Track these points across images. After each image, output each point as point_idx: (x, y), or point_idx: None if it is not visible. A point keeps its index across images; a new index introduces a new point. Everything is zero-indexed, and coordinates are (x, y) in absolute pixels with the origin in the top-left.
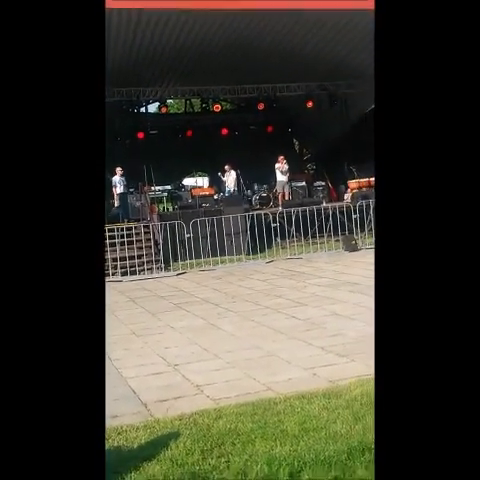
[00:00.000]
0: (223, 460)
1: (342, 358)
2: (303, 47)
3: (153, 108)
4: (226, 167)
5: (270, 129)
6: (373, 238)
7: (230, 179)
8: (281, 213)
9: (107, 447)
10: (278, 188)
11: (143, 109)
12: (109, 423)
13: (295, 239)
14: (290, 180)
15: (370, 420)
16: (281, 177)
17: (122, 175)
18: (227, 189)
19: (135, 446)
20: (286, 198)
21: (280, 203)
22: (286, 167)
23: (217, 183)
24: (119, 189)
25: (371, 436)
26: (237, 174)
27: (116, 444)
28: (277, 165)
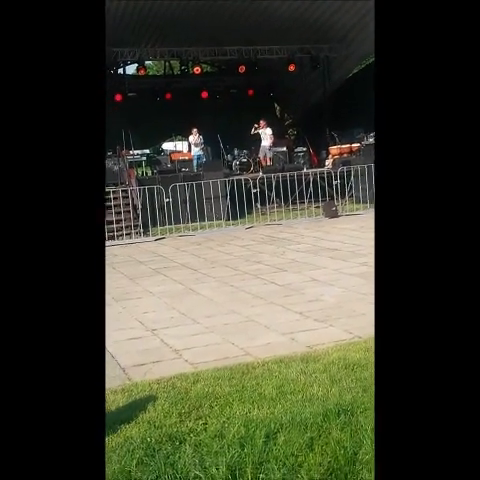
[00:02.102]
0: (200, 422)
1: (320, 323)
2: (285, 8)
3: (131, 70)
4: (193, 130)
5: (251, 93)
6: (354, 204)
7: (198, 144)
8: (261, 178)
9: None
10: (260, 153)
11: (121, 70)
12: None
13: (275, 205)
14: (271, 146)
15: (346, 383)
16: (263, 142)
17: None
18: (194, 154)
19: (113, 409)
20: (267, 163)
21: (260, 168)
22: (268, 131)
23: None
24: None
25: (347, 398)
26: (215, 139)
27: None
28: (259, 130)
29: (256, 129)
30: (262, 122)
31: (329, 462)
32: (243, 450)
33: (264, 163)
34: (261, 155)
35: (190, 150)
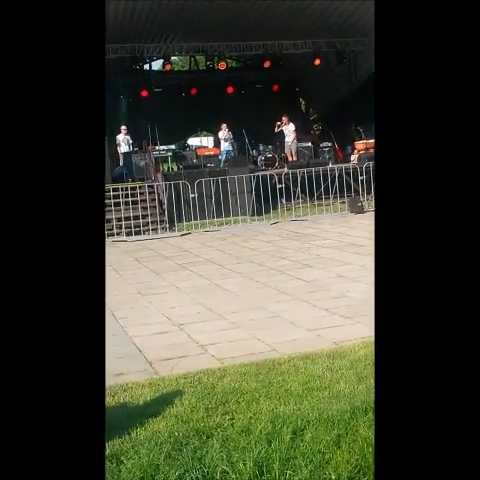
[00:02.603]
0: (227, 417)
1: (346, 320)
2: (310, 2)
3: (157, 65)
4: (222, 126)
5: (276, 88)
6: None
7: (227, 139)
8: (287, 174)
9: (113, 403)
10: (286, 149)
11: (147, 66)
12: (115, 380)
13: (300, 200)
14: (295, 140)
15: (373, 380)
16: (287, 138)
17: (126, 134)
18: (224, 149)
19: (141, 403)
20: (293, 158)
21: (286, 164)
22: (290, 127)
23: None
24: (123, 148)
25: (374, 396)
26: (240, 135)
27: (122, 401)
28: (279, 126)
29: (279, 126)
30: (284, 118)
31: (357, 460)
32: (270, 446)
33: (290, 158)
34: (287, 151)
35: (219, 145)
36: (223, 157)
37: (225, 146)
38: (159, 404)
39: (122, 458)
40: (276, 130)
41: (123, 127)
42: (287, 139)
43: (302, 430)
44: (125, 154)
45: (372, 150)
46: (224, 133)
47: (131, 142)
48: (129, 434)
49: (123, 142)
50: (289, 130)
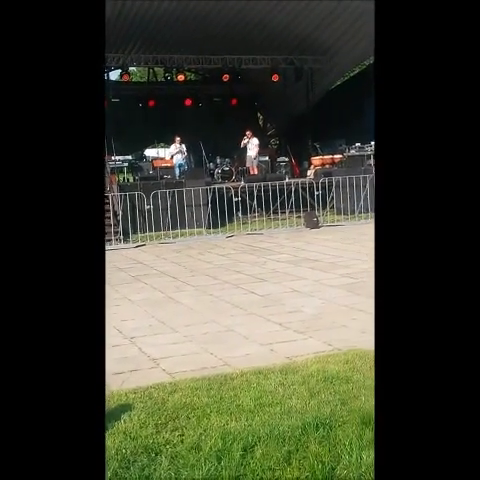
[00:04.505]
0: (177, 434)
1: (300, 334)
2: (270, 19)
3: (115, 75)
4: (176, 139)
5: (234, 102)
6: (335, 215)
7: (180, 152)
8: (243, 187)
9: None
10: (247, 162)
11: (104, 76)
12: None
13: (256, 214)
14: (257, 154)
15: (325, 396)
16: (249, 151)
17: None
18: (176, 162)
19: None
20: (255, 172)
21: (243, 177)
22: (254, 141)
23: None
24: None
25: (326, 411)
26: (197, 147)
27: None
28: (244, 140)
29: (245, 141)
30: (249, 132)
31: (306, 477)
32: (220, 463)
33: (252, 172)
34: (248, 164)
35: (172, 158)
36: (176, 170)
37: (178, 159)
38: (107, 420)
39: None
40: (242, 144)
41: None
42: (251, 153)
43: (253, 447)
44: None
45: (328, 166)
46: (177, 146)
47: None
48: None
49: None
50: (253, 144)
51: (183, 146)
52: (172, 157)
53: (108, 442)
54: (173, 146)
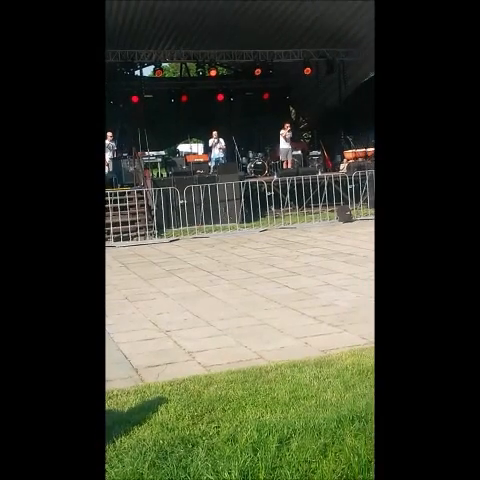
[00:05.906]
0: (213, 426)
1: (334, 328)
2: (302, 12)
3: (148, 71)
4: (213, 133)
5: (266, 96)
6: (368, 209)
7: (217, 146)
8: (276, 182)
9: None
10: (281, 156)
11: (138, 72)
12: None
13: (289, 208)
14: (291, 148)
15: (360, 389)
16: (284, 144)
17: (112, 140)
18: (214, 156)
19: (125, 410)
20: (289, 166)
21: (275, 171)
22: (289, 135)
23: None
24: (107, 154)
25: (361, 405)
26: (230, 142)
27: (107, 408)
28: (282, 131)
29: (283, 132)
30: (287, 124)
31: (343, 469)
32: (256, 455)
33: (288, 166)
34: (282, 158)
35: (209, 152)
36: (213, 164)
37: (215, 153)
38: (144, 412)
39: (106, 466)
40: (285, 136)
41: (109, 133)
42: (287, 146)
43: (288, 439)
44: (114, 160)
45: (361, 159)
46: (214, 140)
47: (115, 149)
48: (113, 442)
49: (108, 148)
50: (288, 138)
51: (221, 140)
52: (207, 151)
53: (145, 433)
54: (211, 141)
